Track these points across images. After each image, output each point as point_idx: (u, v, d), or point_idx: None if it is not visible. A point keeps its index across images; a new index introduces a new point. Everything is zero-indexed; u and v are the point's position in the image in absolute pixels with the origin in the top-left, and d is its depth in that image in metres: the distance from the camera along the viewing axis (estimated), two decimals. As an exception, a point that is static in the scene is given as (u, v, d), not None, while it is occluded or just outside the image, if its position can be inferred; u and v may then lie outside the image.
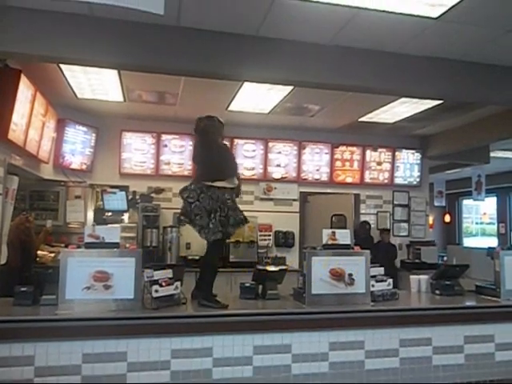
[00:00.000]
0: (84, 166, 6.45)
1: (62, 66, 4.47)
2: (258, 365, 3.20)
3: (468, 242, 12.52)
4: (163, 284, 3.29)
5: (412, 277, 4.30)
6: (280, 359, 3.24)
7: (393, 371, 3.44)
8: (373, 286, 3.65)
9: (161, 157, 6.81)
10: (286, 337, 3.28)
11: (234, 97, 5.55)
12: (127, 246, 3.69)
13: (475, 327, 3.66)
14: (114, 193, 6.29)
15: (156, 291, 3.22)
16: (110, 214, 6.46)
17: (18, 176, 4.63)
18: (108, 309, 3.08)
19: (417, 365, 3.49)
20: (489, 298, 3.93)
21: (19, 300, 3.19)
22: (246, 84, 4.94)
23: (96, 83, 5.11)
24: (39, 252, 5.15)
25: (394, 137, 7.53)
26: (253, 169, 7.07)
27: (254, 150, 7.08)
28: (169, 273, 3.41)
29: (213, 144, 3.44)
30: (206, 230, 3.33)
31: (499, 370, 3.66)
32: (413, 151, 7.76)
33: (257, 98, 5.57)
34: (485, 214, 12.60)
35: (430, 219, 9.26)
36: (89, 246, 3.19)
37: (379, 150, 7.58)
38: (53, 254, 5.15)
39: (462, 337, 3.62)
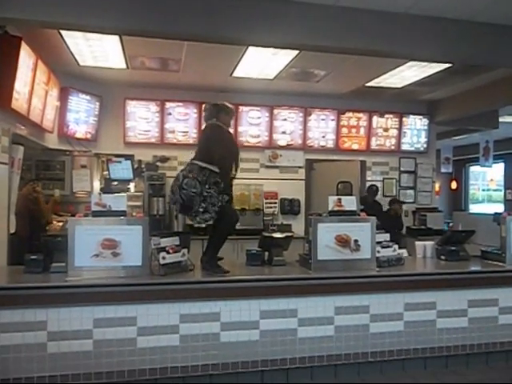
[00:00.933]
0: (88, 135, 6.43)
1: (62, 32, 4.37)
2: (265, 328, 3.28)
3: (474, 208, 12.49)
4: (170, 251, 3.33)
5: (417, 243, 4.32)
6: (286, 323, 3.31)
7: (397, 334, 3.51)
8: (378, 251, 3.67)
9: (165, 125, 6.75)
10: (292, 302, 3.34)
11: (239, 62, 5.44)
12: (134, 214, 3.72)
13: (479, 291, 3.70)
14: (120, 162, 6.29)
15: (163, 258, 3.27)
16: (115, 182, 6.48)
17: (23, 146, 4.63)
18: (117, 275, 3.14)
19: (421, 328, 3.56)
20: (494, 262, 3.95)
21: (30, 268, 3.26)
22: (251, 49, 4.83)
23: (98, 50, 5.02)
24: (48, 221, 5.21)
25: (401, 102, 7.40)
26: (258, 136, 7.01)
27: (258, 117, 7.00)
28: (176, 240, 3.45)
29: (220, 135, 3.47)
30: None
31: (502, 333, 3.72)
32: (420, 117, 7.64)
33: (261, 63, 5.45)
34: (492, 180, 12.51)
35: (437, 186, 9.21)
36: (96, 214, 3.22)
37: (386, 115, 7.47)
38: (61, 223, 5.21)
39: (466, 301, 3.67)
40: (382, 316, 3.50)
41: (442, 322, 3.61)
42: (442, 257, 4.06)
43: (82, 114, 6.25)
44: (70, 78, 5.94)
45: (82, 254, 3.11)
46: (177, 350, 3.13)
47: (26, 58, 4.17)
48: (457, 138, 9.50)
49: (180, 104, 6.76)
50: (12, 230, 4.33)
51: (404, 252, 4.04)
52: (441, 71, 5.69)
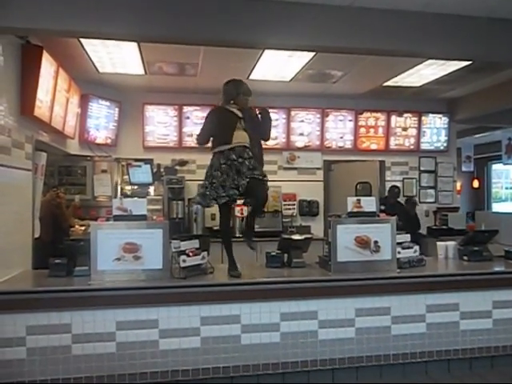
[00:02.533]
0: (109, 141, 6.54)
1: (82, 40, 4.47)
2: (286, 331, 3.28)
3: (497, 207, 12.22)
4: (190, 254, 3.36)
5: (439, 243, 4.26)
6: (306, 325, 3.31)
7: (419, 336, 3.47)
8: (399, 252, 3.64)
9: (183, 129, 6.82)
10: (312, 304, 3.33)
11: (255, 65, 5.46)
12: (154, 218, 3.77)
13: (504, 292, 3.63)
14: (139, 166, 6.37)
15: (184, 261, 3.30)
16: (136, 187, 6.57)
17: (46, 152, 4.73)
18: (138, 279, 3.19)
19: (444, 330, 3.51)
20: (518, 263, 3.87)
21: (54, 272, 3.33)
22: (267, 52, 4.84)
23: (117, 57, 5.11)
24: (71, 226, 5.31)
25: (420, 101, 7.30)
26: (276, 138, 7.01)
27: (276, 119, 6.99)
28: (195, 243, 3.48)
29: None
30: (199, 198, 3.44)
31: (529, 335, 3.64)
32: (440, 115, 7.53)
33: (278, 65, 5.46)
34: (515, 178, 12.23)
35: (458, 185, 9.05)
36: (117, 218, 3.28)
37: (405, 115, 7.39)
38: (83, 228, 5.31)
39: (491, 302, 3.60)
40: (403, 318, 3.46)
41: (466, 323, 3.55)
42: (465, 257, 3.99)
43: (102, 119, 6.36)
44: (90, 84, 6.05)
45: (105, 258, 3.17)
46: (198, 352, 3.15)
47: (47, 66, 4.27)
48: (478, 135, 9.33)
49: (197, 108, 6.82)
50: (36, 235, 4.43)
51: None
52: (460, 69, 5.60)
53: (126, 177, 6.54)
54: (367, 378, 3.35)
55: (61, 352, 3.00)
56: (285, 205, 7.03)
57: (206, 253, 3.52)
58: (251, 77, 5.91)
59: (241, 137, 3.37)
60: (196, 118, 6.82)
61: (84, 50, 4.79)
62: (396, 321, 3.44)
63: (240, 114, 3.43)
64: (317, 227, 6.88)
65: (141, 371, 3.09)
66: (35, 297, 3.03)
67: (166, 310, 3.15)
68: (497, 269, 3.83)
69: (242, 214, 6.61)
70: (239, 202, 3.89)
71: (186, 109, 6.82)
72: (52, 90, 4.52)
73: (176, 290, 3.19)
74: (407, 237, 3.85)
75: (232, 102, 3.47)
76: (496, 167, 12.37)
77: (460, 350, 3.53)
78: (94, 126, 6.27)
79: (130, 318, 3.10)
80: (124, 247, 3.19)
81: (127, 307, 3.11)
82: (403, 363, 3.44)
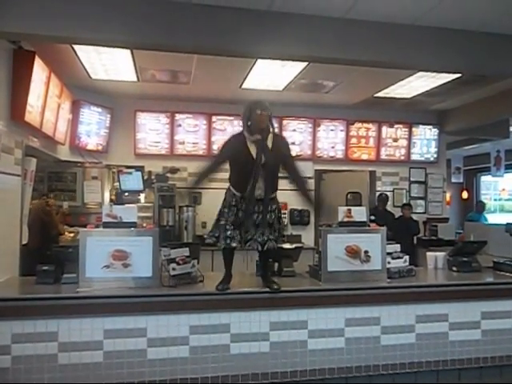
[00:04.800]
0: (100, 147, 6.51)
1: (75, 46, 4.45)
2: (275, 340, 3.26)
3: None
4: (180, 262, 3.35)
5: (429, 254, 4.28)
6: (296, 335, 3.29)
7: (409, 347, 3.47)
8: (389, 262, 3.65)
9: (175, 136, 6.82)
10: (302, 313, 3.32)
11: (248, 74, 5.49)
12: (144, 225, 3.74)
13: (492, 303, 3.65)
14: (130, 173, 6.35)
15: (173, 269, 3.28)
16: (126, 194, 6.53)
17: (36, 158, 4.70)
18: (127, 286, 3.16)
19: (433, 340, 3.51)
20: (507, 274, 3.90)
21: (41, 279, 3.29)
22: (260, 61, 4.87)
23: (109, 63, 5.10)
24: (60, 234, 5.25)
25: (411, 112, 7.38)
26: (267, 147, 7.02)
27: (268, 129, 7.03)
28: (185, 251, 3.45)
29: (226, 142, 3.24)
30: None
31: (517, 346, 3.65)
32: (430, 127, 7.61)
33: (270, 75, 5.50)
34: (504, 189, 12.37)
35: (448, 196, 9.14)
36: (107, 225, 3.25)
37: (395, 126, 7.46)
38: (72, 234, 5.25)
39: (479, 312, 3.62)
40: (393, 328, 3.46)
41: (455, 334, 3.56)
42: (454, 268, 4.02)
43: (93, 126, 6.34)
44: (82, 90, 6.03)
45: (93, 265, 3.14)
46: (187, 362, 3.12)
47: (39, 71, 4.25)
48: (467, 147, 9.44)
49: (190, 116, 6.83)
50: (24, 241, 4.38)
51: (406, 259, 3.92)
52: (450, 81, 5.68)
53: (116, 184, 6.51)
54: (356, 388, 3.34)
55: (47, 361, 2.95)
56: (276, 214, 7.03)
57: (195, 261, 3.50)
58: (244, 86, 5.94)
59: (259, 188, 3.05)
60: (188, 126, 6.84)
61: (76, 55, 4.78)
62: (385, 331, 3.44)
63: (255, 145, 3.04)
64: (307, 236, 6.90)
65: (128, 381, 3.04)
66: (22, 304, 2.98)
67: (154, 318, 3.11)
68: (485, 280, 3.85)
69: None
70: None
71: (178, 116, 6.82)
72: (43, 95, 4.50)
73: (165, 298, 3.16)
74: (397, 247, 3.87)
75: (249, 124, 3.08)
76: (485, 179, 12.52)
77: (449, 360, 3.53)
78: (85, 133, 6.24)
79: (118, 327, 3.06)
80: (113, 254, 3.16)
81: (115, 315, 3.07)
82: (392, 373, 3.43)
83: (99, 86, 6.02)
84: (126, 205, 4.48)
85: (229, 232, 3.12)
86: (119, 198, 6.26)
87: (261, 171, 3.02)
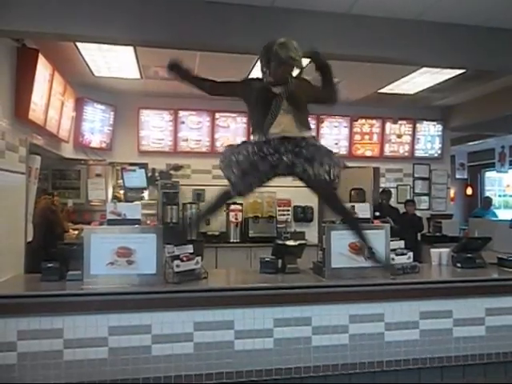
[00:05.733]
0: (103, 145, 6.52)
1: (78, 44, 4.46)
2: (279, 337, 3.26)
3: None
4: (184, 259, 3.35)
5: (433, 250, 4.27)
6: (300, 331, 3.30)
7: (412, 343, 3.47)
8: (393, 259, 3.64)
9: (178, 134, 6.82)
10: (306, 310, 3.32)
11: (251, 71, 5.47)
12: (148, 222, 3.76)
13: (497, 299, 3.64)
14: (134, 170, 6.37)
15: (177, 266, 3.29)
16: (130, 191, 6.56)
17: (40, 155, 4.72)
18: (131, 283, 3.17)
19: (437, 337, 3.51)
20: (511, 270, 3.88)
21: (46, 276, 3.30)
22: (263, 57, 4.86)
23: (112, 61, 5.11)
24: (65, 231, 5.28)
25: (415, 108, 7.36)
26: (270, 144, 7.02)
27: (271, 125, 7.02)
28: (189, 248, 3.46)
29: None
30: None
31: (521, 342, 3.65)
32: (434, 123, 7.58)
33: (273, 71, 5.48)
34: (508, 186, 12.30)
35: (452, 192, 9.11)
36: (111, 222, 3.26)
37: (399, 122, 7.43)
38: (76, 232, 5.28)
39: (484, 309, 3.61)
40: (396, 324, 3.46)
41: (459, 330, 3.55)
42: (458, 264, 4.00)
43: (96, 123, 6.35)
44: (85, 88, 6.05)
45: (98, 262, 3.15)
46: (191, 358, 3.13)
47: (42, 69, 4.26)
48: (471, 143, 9.40)
49: (193, 113, 6.84)
50: (29, 239, 4.40)
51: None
52: (454, 77, 5.65)
53: (120, 181, 6.53)
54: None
55: (52, 357, 2.97)
56: (279, 210, 7.04)
57: (199, 258, 3.50)
58: (247, 82, 5.92)
59: (282, 123, 2.50)
60: (191, 123, 6.84)
61: (80, 53, 4.79)
62: (389, 327, 3.44)
63: (277, 90, 2.54)
64: (311, 233, 6.89)
65: (133, 377, 3.06)
66: (27, 301, 3.00)
67: (159, 315, 3.13)
68: (490, 276, 3.84)
69: (236, 219, 6.62)
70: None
71: (181, 113, 6.82)
72: (47, 93, 4.51)
73: (169, 295, 3.17)
74: (401, 243, 3.86)
75: (265, 71, 2.61)
76: (489, 175, 12.45)
77: (453, 357, 3.52)
78: (88, 130, 6.26)
79: (123, 323, 3.08)
80: (117, 252, 3.17)
81: (120, 312, 3.08)
82: (396, 370, 3.43)
83: (102, 84, 6.03)
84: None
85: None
86: (126, 196, 6.28)
87: (283, 104, 2.49)
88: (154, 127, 6.77)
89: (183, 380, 3.12)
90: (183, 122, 6.84)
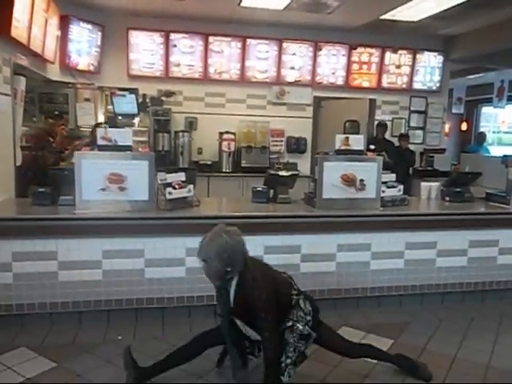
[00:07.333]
0: (91, 67, 6.25)
1: (60, -47, 4.12)
2: (269, 263, 3.36)
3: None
4: (176, 187, 3.36)
5: (423, 184, 4.32)
6: (290, 259, 3.40)
7: (396, 271, 3.61)
8: (383, 191, 3.68)
9: (170, 58, 6.53)
10: (296, 238, 3.40)
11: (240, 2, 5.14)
12: (140, 149, 3.71)
13: (481, 232, 3.75)
14: (124, 95, 6.16)
15: (170, 193, 3.30)
16: (120, 117, 6.41)
17: (26, 77, 4.52)
18: (124, 209, 3.19)
19: (420, 266, 3.65)
20: (498, 205, 3.96)
21: (38, 200, 3.31)
22: (260, -24, 4.55)
23: (98, -26, 4.75)
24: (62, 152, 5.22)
25: (416, 37, 7.06)
26: (265, 71, 6.79)
27: (267, 51, 6.74)
28: (181, 176, 3.46)
29: None
30: None
31: (499, 273, 3.82)
32: (435, 53, 7.32)
33: (271, -8, 5.16)
34: (503, 122, 12.22)
35: (446, 127, 9.03)
36: (102, 148, 3.21)
37: (399, 51, 7.17)
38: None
39: (467, 241, 3.73)
40: (383, 254, 3.58)
41: (442, 260, 3.69)
42: (447, 198, 4.07)
43: (83, 44, 6.04)
44: (70, 5, 5.67)
45: (90, 188, 3.15)
46: (183, 281, 3.25)
47: (23, -18, 3.96)
48: (471, 76, 9.17)
49: (186, 36, 6.50)
50: (18, 163, 4.35)
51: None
52: (459, 4, 5.37)
53: (110, 107, 6.35)
54: (345, 308, 3.52)
55: (47, 278, 3.06)
56: (272, 141, 6.98)
57: (192, 186, 3.51)
58: (243, 3, 5.60)
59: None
60: (184, 47, 6.53)
61: (62, -36, 4.43)
62: (376, 256, 3.56)
63: None
64: (304, 164, 6.88)
65: (127, 297, 3.19)
66: (20, 224, 3.03)
67: (151, 240, 3.19)
68: (476, 210, 3.92)
69: (229, 148, 6.56)
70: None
71: (173, 36, 6.49)
72: (29, 8, 4.22)
73: (162, 221, 3.21)
74: (392, 176, 3.89)
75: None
76: (486, 110, 12.32)
77: (434, 284, 3.70)
78: (75, 51, 5.96)
79: (116, 247, 3.15)
80: (109, 178, 3.16)
81: (113, 237, 3.14)
82: (379, 296, 3.61)
83: (88, 0, 5.65)
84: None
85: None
86: (111, 122, 6.13)
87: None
88: (145, 50, 6.46)
89: (175, 302, 3.25)
90: (175, 46, 6.52)
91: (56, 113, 5.51)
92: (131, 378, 2.41)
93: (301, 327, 2.26)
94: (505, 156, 4.24)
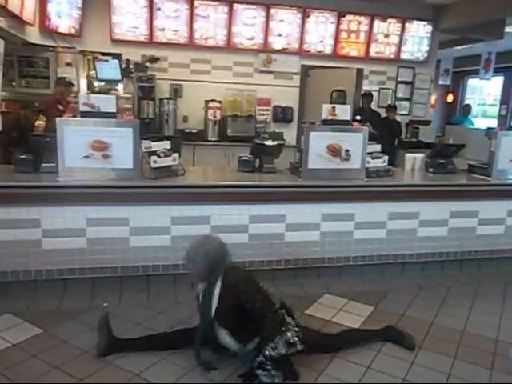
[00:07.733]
0: (72, 30, 6.03)
1: None
2: (254, 232, 3.40)
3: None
4: (161, 155, 3.32)
5: (407, 155, 4.35)
6: (274, 228, 3.44)
7: (379, 241, 3.68)
8: (368, 162, 3.70)
9: (154, 22, 6.33)
10: (281, 208, 3.43)
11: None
12: (124, 116, 3.64)
13: (462, 203, 3.83)
14: (107, 61, 6.00)
15: (154, 162, 3.27)
16: (103, 83, 6.25)
17: (3, 39, 4.35)
18: (108, 177, 3.15)
19: (402, 236, 3.73)
20: (480, 176, 4.03)
21: (20, 167, 3.25)
22: None
23: None
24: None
25: (406, 6, 6.96)
26: (252, 38, 6.65)
27: (254, 17, 6.57)
28: (167, 144, 3.42)
29: None
30: None
31: (478, 242, 3.92)
32: (424, 23, 7.24)
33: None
34: (489, 94, 12.28)
35: (433, 98, 9.04)
36: (84, 115, 3.14)
37: (388, 20, 7.06)
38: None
39: (448, 212, 3.81)
40: (366, 224, 3.63)
41: (423, 230, 3.77)
42: (430, 169, 4.12)
43: (64, 5, 5.81)
44: (49, -37, 5.42)
45: (72, 155, 3.09)
46: (168, 250, 3.26)
47: None
48: (459, 47, 9.13)
49: (170, -2, 6.29)
50: (-1, 129, 4.25)
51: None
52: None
53: (92, 72, 6.18)
54: (328, 276, 3.60)
55: (31, 246, 3.05)
56: (259, 110, 6.91)
57: (177, 154, 3.48)
58: (229, -34, 5.41)
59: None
60: (168, 11, 6.33)
61: None
62: (359, 226, 3.62)
63: None
64: (290, 134, 6.87)
65: (112, 265, 3.20)
66: (1, 192, 2.98)
67: (136, 208, 3.18)
68: (457, 181, 3.98)
69: (214, 117, 6.49)
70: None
71: (157, -1, 6.27)
72: (5, -35, 4.03)
73: (147, 190, 3.19)
74: (377, 147, 3.90)
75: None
76: (471, 82, 12.35)
77: (414, 254, 3.79)
78: (55, 13, 5.73)
79: (101, 215, 3.13)
80: (92, 145, 3.10)
81: (97, 205, 3.12)
82: (361, 264, 3.69)
83: (68, -42, 5.40)
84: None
85: None
86: (90, 88, 5.97)
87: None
88: (128, 13, 6.23)
89: (161, 270, 3.28)
90: (159, 9, 6.31)
91: (67, 79, 5.33)
92: (102, 344, 2.43)
93: (289, 334, 2.24)
94: (488, 128, 4.28)
